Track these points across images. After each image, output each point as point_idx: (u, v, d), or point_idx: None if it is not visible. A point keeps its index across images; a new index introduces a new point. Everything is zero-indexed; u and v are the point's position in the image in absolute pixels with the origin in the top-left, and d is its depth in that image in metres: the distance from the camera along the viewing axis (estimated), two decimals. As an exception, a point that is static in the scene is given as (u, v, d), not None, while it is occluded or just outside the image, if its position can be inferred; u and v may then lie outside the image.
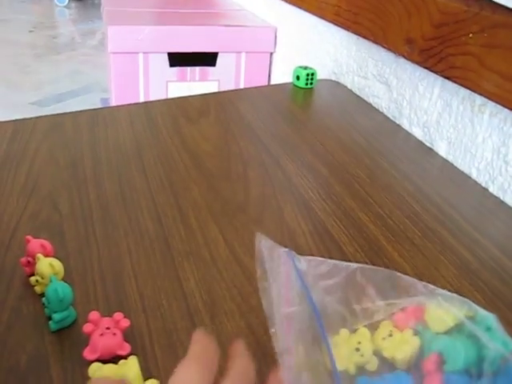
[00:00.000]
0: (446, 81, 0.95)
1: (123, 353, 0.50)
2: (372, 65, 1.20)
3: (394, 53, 1.08)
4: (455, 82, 0.91)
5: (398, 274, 0.50)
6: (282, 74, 1.67)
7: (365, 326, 0.48)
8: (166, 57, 1.63)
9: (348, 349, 0.47)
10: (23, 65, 3.64)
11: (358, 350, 0.47)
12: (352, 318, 0.48)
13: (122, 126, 0.98)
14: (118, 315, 0.52)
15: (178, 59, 1.65)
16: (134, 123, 0.99)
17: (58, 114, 1.02)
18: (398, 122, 1.11)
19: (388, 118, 1.13)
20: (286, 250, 0.49)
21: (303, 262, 0.48)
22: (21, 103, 2.92)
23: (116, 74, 1.64)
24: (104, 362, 0.49)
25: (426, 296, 0.49)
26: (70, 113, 1.03)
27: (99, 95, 3.12)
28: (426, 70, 1.00)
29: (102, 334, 0.50)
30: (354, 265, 0.49)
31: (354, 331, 0.48)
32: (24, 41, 4.13)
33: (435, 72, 0.95)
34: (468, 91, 0.91)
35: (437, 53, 0.93)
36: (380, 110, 1.17)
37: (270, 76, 1.75)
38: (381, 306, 0.49)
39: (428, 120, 1.03)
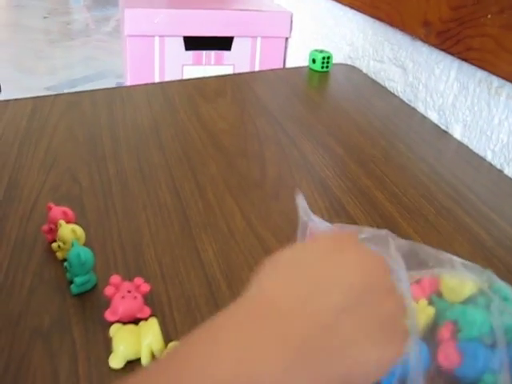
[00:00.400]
0: (463, 63, 0.95)
1: (143, 316, 0.51)
2: (388, 48, 1.20)
3: (411, 36, 1.08)
4: (472, 63, 0.91)
5: (420, 244, 0.50)
6: (297, 60, 1.67)
7: None
8: (181, 40, 1.64)
9: None
10: (37, 50, 3.65)
11: None
12: None
13: (140, 104, 0.99)
14: (138, 280, 0.53)
15: (193, 43, 1.66)
16: (151, 102, 1.00)
17: (75, 93, 1.03)
18: (413, 106, 1.11)
19: (403, 102, 1.13)
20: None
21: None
22: (36, 88, 2.94)
23: (132, 57, 1.64)
24: (124, 324, 0.50)
25: (444, 266, 0.49)
26: (87, 91, 1.04)
27: (113, 81, 3.13)
28: (442, 53, 1.00)
29: (123, 297, 0.51)
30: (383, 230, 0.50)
31: None
32: (38, 27, 4.14)
33: (452, 54, 0.95)
34: (485, 73, 0.91)
35: (454, 35, 0.93)
36: (395, 93, 1.17)
37: (284, 61, 1.75)
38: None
39: (444, 103, 1.03)
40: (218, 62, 1.70)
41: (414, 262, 0.49)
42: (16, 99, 0.98)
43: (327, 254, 0.35)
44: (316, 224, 0.50)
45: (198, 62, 1.69)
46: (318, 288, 0.33)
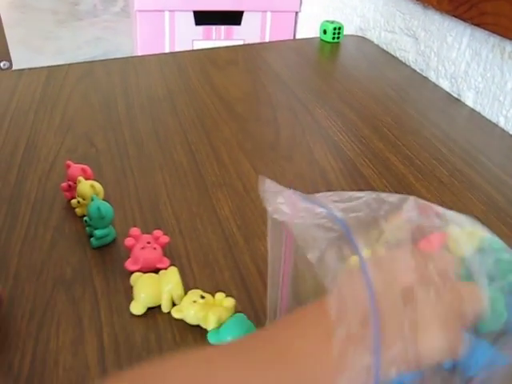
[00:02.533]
0: (476, 29, 0.95)
1: (163, 266, 0.52)
2: (400, 18, 1.19)
3: (423, 4, 1.08)
4: (485, 29, 0.91)
5: (421, 200, 0.49)
6: (308, 34, 1.66)
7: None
8: (191, 15, 1.64)
9: None
10: (46, 31, 3.65)
11: None
12: (378, 238, 0.48)
13: (153, 73, 1.00)
14: (157, 232, 0.54)
15: (203, 18, 1.66)
16: (164, 71, 1.01)
17: (89, 62, 1.03)
18: (425, 75, 1.11)
19: (415, 71, 1.13)
20: (292, 190, 0.49)
21: (314, 195, 0.48)
22: (45, 68, 2.95)
23: (142, 32, 1.65)
24: (144, 273, 0.51)
25: (445, 222, 0.49)
26: (101, 60, 1.04)
27: (122, 61, 3.13)
28: (454, 20, 1.00)
29: (143, 248, 0.52)
30: (373, 192, 0.49)
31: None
32: (46, 7, 4.13)
33: (465, 20, 0.95)
34: (498, 38, 0.90)
35: (467, 0, 0.93)
36: (407, 63, 1.17)
37: (294, 36, 1.75)
38: (405, 231, 0.49)
39: (456, 71, 1.03)
40: (228, 37, 1.70)
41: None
42: (30, 68, 0.98)
43: None
44: (291, 199, 0.47)
45: (208, 37, 1.69)
46: None
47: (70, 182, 0.61)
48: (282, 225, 0.46)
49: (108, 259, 0.55)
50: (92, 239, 0.56)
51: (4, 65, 1.53)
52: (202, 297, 0.47)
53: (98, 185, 0.59)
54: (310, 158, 0.76)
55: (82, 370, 0.44)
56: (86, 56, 3.25)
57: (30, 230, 0.59)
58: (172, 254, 0.56)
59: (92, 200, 0.55)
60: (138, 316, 0.49)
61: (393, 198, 0.49)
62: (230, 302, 0.47)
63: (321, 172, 0.73)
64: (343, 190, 0.69)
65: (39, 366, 0.43)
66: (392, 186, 0.71)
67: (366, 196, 0.48)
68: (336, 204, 0.47)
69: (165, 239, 0.53)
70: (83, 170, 0.61)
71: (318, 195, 0.49)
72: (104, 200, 0.59)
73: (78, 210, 0.60)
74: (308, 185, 0.69)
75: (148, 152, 0.74)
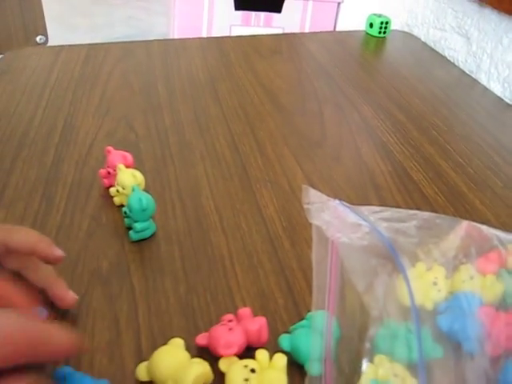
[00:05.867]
0: (537, 32, 0.90)
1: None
2: (451, 16, 1.14)
3: (479, 2, 1.03)
4: (548, 32, 0.86)
5: (477, 224, 0.46)
6: (349, 25, 1.62)
7: (440, 265, 0.45)
8: (231, -1, 1.60)
9: (424, 283, 0.45)
10: (80, 8, 3.64)
11: (435, 284, 0.45)
12: (427, 258, 0.45)
13: (194, 57, 0.96)
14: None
15: (243, 3, 1.62)
16: (206, 56, 0.97)
17: (129, 42, 1.00)
18: (474, 77, 1.06)
19: (464, 72, 1.08)
20: (338, 201, 0.46)
21: (361, 209, 0.45)
22: (77, 44, 2.93)
23: (180, 14, 1.61)
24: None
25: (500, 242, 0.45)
26: (141, 41, 1.01)
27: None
28: (513, 21, 0.95)
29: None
30: (425, 213, 0.46)
31: (429, 269, 0.46)
32: (82, -16, 4.12)
33: (526, 22, 0.90)
34: (561, 44, 0.86)
35: (531, 1, 0.88)
36: (456, 63, 1.12)
37: (335, 27, 1.70)
38: (458, 250, 0.46)
39: (510, 75, 0.98)
40: (267, 24, 1.66)
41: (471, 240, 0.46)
42: (70, 45, 0.95)
43: None
44: (336, 212, 0.44)
45: (246, 23, 1.65)
46: None
47: (110, 169, 0.58)
48: (329, 241, 0.43)
49: (147, 255, 0.52)
50: (131, 232, 0.53)
51: (40, 39, 1.51)
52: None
53: (139, 174, 0.56)
54: (358, 159, 0.72)
55: (118, 375, 0.41)
56: (118, 35, 3.23)
57: (66, 216, 0.56)
58: (214, 254, 0.53)
59: (133, 190, 0.52)
60: (179, 322, 0.46)
61: (445, 221, 0.46)
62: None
63: (369, 175, 0.69)
64: (393, 195, 0.66)
65: (73, 368, 0.41)
66: (443, 194, 0.67)
67: (417, 217, 0.45)
68: (385, 223, 0.44)
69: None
70: (124, 158, 0.58)
71: (364, 209, 0.46)
72: (144, 191, 0.56)
73: (117, 199, 0.57)
74: (356, 187, 0.66)
75: (189, 140, 0.71)
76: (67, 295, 0.45)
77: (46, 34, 1.57)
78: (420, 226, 0.43)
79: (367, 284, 0.39)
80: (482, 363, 0.41)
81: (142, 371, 0.40)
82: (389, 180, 0.68)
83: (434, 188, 0.68)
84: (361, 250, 0.40)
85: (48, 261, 0.43)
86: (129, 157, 0.58)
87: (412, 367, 0.39)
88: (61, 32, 3.16)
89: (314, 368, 0.41)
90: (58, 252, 0.43)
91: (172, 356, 0.40)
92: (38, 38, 1.55)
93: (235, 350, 0.41)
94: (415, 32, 1.28)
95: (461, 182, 0.70)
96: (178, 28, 1.64)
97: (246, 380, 0.39)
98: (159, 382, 0.39)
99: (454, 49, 1.14)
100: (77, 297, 0.45)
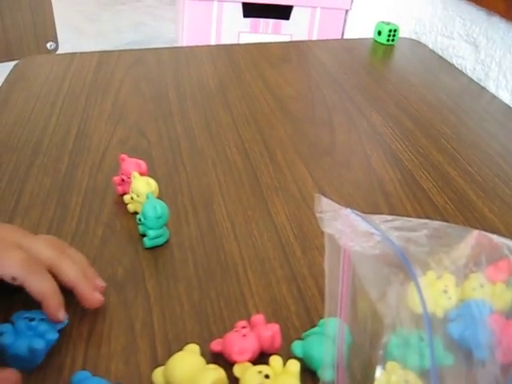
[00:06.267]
0: (545, 41, 0.91)
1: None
2: (459, 24, 1.15)
3: (487, 10, 1.03)
4: (556, 41, 0.86)
5: (487, 234, 0.47)
6: (357, 33, 1.63)
7: (451, 273, 0.46)
8: (240, 6, 1.61)
9: (435, 291, 0.46)
10: (88, 13, 3.66)
11: (445, 292, 0.46)
12: (438, 266, 0.46)
13: (204, 64, 0.97)
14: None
15: (252, 10, 1.63)
16: (216, 63, 0.98)
17: (140, 49, 1.01)
18: (483, 85, 1.07)
19: (472, 80, 1.09)
20: (350, 209, 0.46)
21: (372, 217, 0.46)
22: (87, 50, 2.95)
23: (189, 21, 1.62)
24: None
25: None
26: (152, 49, 1.02)
27: (162, 46, 3.12)
28: (522, 30, 0.95)
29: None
30: (435, 222, 0.47)
31: (439, 277, 0.46)
32: (90, -11, 4.14)
33: (534, 31, 0.91)
34: None
35: (539, 10, 0.89)
36: (464, 71, 1.13)
37: (343, 35, 1.71)
38: (469, 258, 0.46)
39: (518, 83, 0.99)
40: (276, 31, 1.67)
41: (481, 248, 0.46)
42: (82, 52, 0.97)
43: None
44: (349, 220, 0.45)
45: (255, 30, 1.66)
46: None
47: (124, 177, 0.59)
48: (341, 249, 0.44)
49: (161, 262, 0.53)
50: (145, 239, 0.54)
51: (50, 46, 1.53)
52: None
53: (153, 182, 0.57)
54: (368, 167, 0.72)
55: (133, 380, 0.42)
56: (126, 40, 3.25)
57: (81, 223, 0.57)
58: (227, 261, 0.53)
59: (147, 198, 0.53)
60: (193, 328, 0.46)
61: (456, 230, 0.47)
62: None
63: (379, 182, 0.69)
64: (402, 203, 0.66)
65: (90, 372, 0.41)
66: (453, 203, 0.68)
67: (428, 226, 0.46)
68: (396, 232, 0.44)
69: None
70: (138, 165, 0.59)
71: (376, 218, 0.47)
72: (158, 198, 0.57)
73: (131, 207, 0.58)
74: (366, 195, 0.66)
75: (201, 147, 0.72)
76: (93, 296, 0.46)
77: (56, 41, 1.58)
78: (431, 235, 0.43)
79: (380, 292, 0.39)
80: (492, 370, 0.41)
81: (157, 376, 0.41)
82: (398, 188, 0.69)
83: (444, 196, 0.69)
84: (373, 259, 0.41)
85: (83, 302, 0.45)
86: (143, 164, 0.59)
87: (424, 374, 0.40)
88: (68, 37, 3.18)
89: (326, 374, 0.41)
90: (60, 315, 0.43)
91: (188, 362, 0.40)
92: (48, 45, 1.56)
93: (249, 355, 0.42)
94: (423, 40, 1.29)
95: (470, 190, 0.71)
96: (187, 34, 1.65)
97: None
98: None
99: (463, 57, 1.14)
100: (103, 298, 0.46)
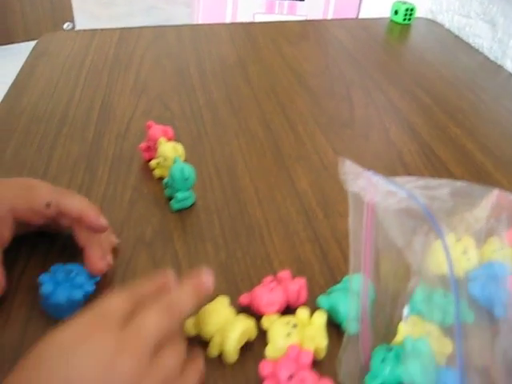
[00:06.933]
0: None
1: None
2: (476, 2, 1.15)
3: (505, -11, 1.04)
4: None
5: (508, 193, 0.48)
6: (372, 14, 1.63)
7: (470, 235, 0.47)
8: (256, -13, 1.62)
9: (455, 253, 0.47)
10: (101, -3, 3.67)
11: (465, 253, 0.47)
12: (459, 227, 0.47)
13: (223, 41, 0.99)
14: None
15: (267, -9, 1.64)
16: (235, 40, 1.00)
17: (160, 26, 1.03)
18: (499, 63, 1.07)
19: (488, 59, 1.09)
20: (373, 171, 0.47)
21: (395, 178, 0.47)
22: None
23: (204, 2, 1.63)
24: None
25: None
26: (172, 26, 1.03)
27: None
28: (539, 7, 0.96)
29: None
30: (458, 182, 0.48)
31: (459, 240, 0.47)
32: (103, -26, 4.15)
33: (552, 7, 0.91)
34: None
35: (557, -14, 0.89)
36: (480, 50, 1.13)
37: (357, 16, 1.71)
38: (490, 217, 0.47)
39: (535, 60, 0.99)
40: (291, 12, 1.68)
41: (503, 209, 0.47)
42: (103, 29, 0.98)
43: (68, 349, 0.34)
44: (372, 181, 0.46)
45: (270, 11, 1.67)
46: (64, 379, 0.33)
47: (150, 143, 0.61)
48: (365, 206, 0.45)
49: (188, 223, 0.54)
50: (172, 202, 0.55)
51: (68, 26, 1.54)
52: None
53: (180, 146, 0.58)
54: (387, 139, 0.74)
55: (165, 331, 0.43)
56: (139, 24, 3.26)
57: (109, 188, 0.59)
58: (252, 224, 0.55)
59: (175, 161, 0.55)
60: (221, 285, 0.48)
61: (477, 189, 0.48)
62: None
63: (398, 154, 0.71)
64: (421, 173, 0.67)
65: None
66: (470, 174, 0.69)
67: (450, 185, 0.47)
68: (419, 190, 0.46)
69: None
70: (165, 131, 0.60)
71: (399, 179, 0.48)
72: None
73: (157, 172, 0.60)
74: (386, 166, 0.68)
75: (223, 118, 0.73)
76: (99, 262, 0.47)
77: (73, 21, 1.60)
78: (453, 193, 0.45)
79: (406, 241, 0.41)
80: (511, 328, 0.43)
81: (189, 326, 0.43)
82: (417, 159, 0.70)
83: (461, 168, 0.70)
84: (397, 213, 0.42)
85: (92, 229, 0.46)
86: (169, 130, 0.61)
87: (446, 329, 0.41)
88: (83, 22, 3.19)
89: (351, 327, 0.43)
90: (103, 222, 0.46)
91: (218, 312, 0.42)
92: (65, 25, 1.58)
93: (276, 307, 0.44)
94: (439, 19, 1.29)
95: (487, 162, 0.72)
96: (203, 16, 1.66)
97: (289, 334, 0.41)
98: (206, 336, 0.42)
99: (479, 35, 1.15)
100: (111, 262, 0.48)
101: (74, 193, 0.47)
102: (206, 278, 0.40)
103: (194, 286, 0.39)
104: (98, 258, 0.46)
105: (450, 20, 1.24)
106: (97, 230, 0.47)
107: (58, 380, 0.33)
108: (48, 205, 0.45)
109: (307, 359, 0.39)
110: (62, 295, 0.42)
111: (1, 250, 0.47)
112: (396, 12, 1.20)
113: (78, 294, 0.43)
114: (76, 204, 0.46)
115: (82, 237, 0.47)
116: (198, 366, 0.38)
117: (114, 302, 0.36)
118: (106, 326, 0.35)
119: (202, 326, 0.42)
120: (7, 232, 0.47)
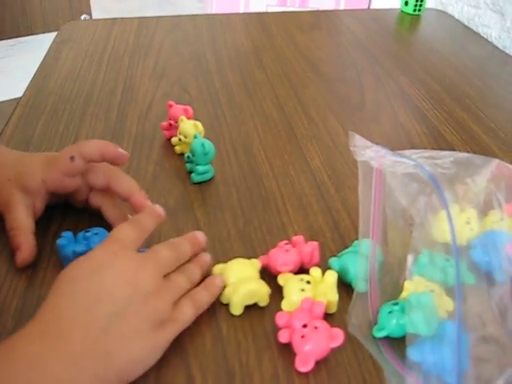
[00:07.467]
0: None
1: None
2: (485, -6, 1.18)
3: (513, -20, 1.06)
4: None
5: (508, 164, 0.51)
6: (382, 6, 1.65)
7: (473, 207, 0.50)
8: (269, -20, 1.65)
9: (458, 223, 0.50)
10: (115, -8, 3.71)
11: (468, 223, 0.50)
12: (462, 198, 0.50)
13: (238, 30, 1.02)
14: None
15: (280, -17, 1.67)
16: (250, 29, 1.03)
17: (177, 16, 1.06)
18: (508, 52, 1.10)
19: (497, 48, 1.12)
20: (380, 146, 0.51)
21: (402, 151, 0.50)
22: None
23: (219, -6, 1.67)
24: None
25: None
26: (188, 15, 1.07)
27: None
28: (546, -3, 0.98)
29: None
30: (461, 153, 0.51)
31: (462, 210, 0.50)
32: (116, -31, 4.19)
33: (558, -3, 0.94)
34: None
35: None
36: (489, 39, 1.16)
37: (369, 7, 1.74)
38: (490, 186, 0.50)
39: (542, 49, 1.02)
40: (303, 5, 1.71)
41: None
42: (122, 18, 1.02)
43: (97, 269, 0.40)
44: (380, 153, 0.50)
45: (282, 3, 1.70)
46: (92, 299, 0.38)
47: (171, 121, 0.64)
48: (374, 173, 0.48)
49: (207, 195, 0.58)
50: (193, 175, 0.59)
51: (85, 18, 1.58)
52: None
53: (199, 124, 0.62)
54: (395, 122, 0.77)
55: (189, 288, 0.47)
56: (153, 18, 3.29)
57: (133, 162, 0.62)
58: (268, 196, 0.59)
59: (195, 137, 0.58)
60: (239, 249, 0.52)
61: (478, 159, 0.51)
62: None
63: (406, 135, 0.74)
64: (428, 152, 0.70)
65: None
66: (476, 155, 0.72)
67: (453, 155, 0.50)
68: (425, 160, 0.49)
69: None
70: (185, 110, 0.64)
71: (406, 151, 0.51)
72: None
73: (178, 148, 0.64)
74: (394, 146, 0.70)
75: (239, 101, 0.77)
76: (147, 203, 0.51)
77: (90, 13, 1.64)
78: (456, 162, 0.48)
79: (411, 200, 0.44)
80: (508, 290, 0.46)
81: (217, 269, 0.47)
82: (424, 141, 0.73)
83: (467, 148, 0.73)
84: (404, 176, 0.45)
85: (115, 161, 0.51)
86: (189, 109, 0.65)
87: (447, 289, 0.44)
88: (97, 16, 3.24)
89: (360, 286, 0.46)
90: (123, 152, 0.51)
91: (244, 268, 0.46)
92: (82, 17, 1.62)
93: (291, 267, 0.47)
94: (449, 10, 1.31)
95: (492, 144, 0.75)
96: (216, 8, 1.70)
97: (302, 290, 0.44)
98: (224, 282, 0.46)
99: (488, 25, 1.17)
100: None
101: (88, 140, 0.51)
102: (200, 236, 0.48)
103: (190, 239, 0.48)
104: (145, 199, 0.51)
105: (460, 11, 1.27)
106: (119, 158, 0.51)
107: (94, 292, 0.38)
108: (72, 158, 0.49)
109: (320, 310, 0.42)
110: (70, 249, 0.47)
111: (34, 220, 0.50)
112: (406, 3, 1.23)
113: (81, 247, 0.47)
114: (94, 145, 0.50)
115: (109, 211, 0.51)
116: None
117: (124, 230, 0.43)
118: (125, 249, 0.42)
119: (224, 272, 0.46)
120: (40, 203, 0.51)
